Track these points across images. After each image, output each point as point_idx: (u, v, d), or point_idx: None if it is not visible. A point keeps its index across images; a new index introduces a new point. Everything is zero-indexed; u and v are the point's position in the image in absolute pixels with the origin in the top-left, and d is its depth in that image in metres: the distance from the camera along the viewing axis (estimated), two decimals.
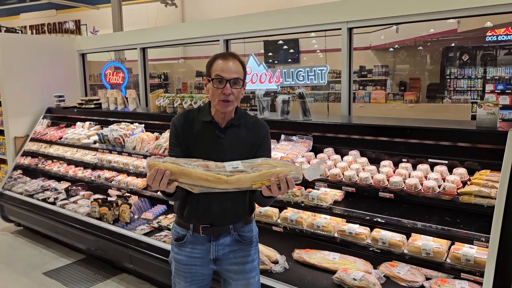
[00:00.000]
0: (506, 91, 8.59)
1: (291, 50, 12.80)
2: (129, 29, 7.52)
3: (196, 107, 2.21)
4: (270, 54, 12.81)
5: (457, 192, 2.47)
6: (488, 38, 9.39)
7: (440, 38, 11.07)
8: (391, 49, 12.18)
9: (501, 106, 3.20)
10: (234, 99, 1.94)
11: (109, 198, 4.45)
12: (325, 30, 3.68)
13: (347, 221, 2.99)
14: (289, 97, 3.45)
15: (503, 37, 9.18)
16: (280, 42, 12.42)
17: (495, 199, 2.27)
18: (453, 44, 10.88)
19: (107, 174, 4.63)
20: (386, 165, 2.90)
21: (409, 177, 2.72)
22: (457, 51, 10.46)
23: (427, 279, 2.65)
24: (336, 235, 2.90)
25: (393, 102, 8.44)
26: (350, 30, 3.47)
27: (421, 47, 11.96)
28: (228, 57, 1.94)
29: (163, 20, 13.25)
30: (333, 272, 2.81)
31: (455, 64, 10.11)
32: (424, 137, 2.80)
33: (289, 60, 12.96)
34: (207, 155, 1.91)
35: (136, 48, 5.35)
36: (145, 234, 3.72)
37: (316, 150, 3.36)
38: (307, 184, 3.07)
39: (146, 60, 5.37)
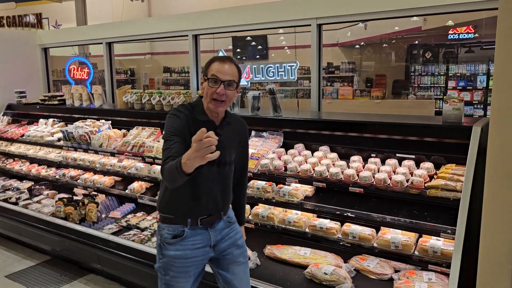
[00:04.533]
0: (467, 87, 8.91)
1: (260, 47, 12.80)
2: (93, 23, 7.29)
3: (185, 103, 2.23)
4: (239, 50, 12.77)
5: (424, 186, 2.54)
6: (450, 36, 9.71)
7: (405, 36, 11.36)
8: (358, 46, 12.41)
9: None
10: (227, 100, 2.05)
11: (75, 197, 4.31)
12: (294, 26, 3.69)
13: (318, 216, 3.02)
14: (259, 93, 3.44)
15: (464, 35, 9.51)
16: (249, 38, 12.40)
17: (461, 192, 2.34)
18: (416, 42, 11.19)
19: (73, 172, 4.49)
20: (356, 160, 2.94)
21: (378, 172, 2.76)
22: (420, 49, 10.77)
23: (396, 271, 2.72)
24: (307, 230, 2.92)
25: (361, 98, 8.60)
26: (319, 26, 3.50)
27: (386, 45, 12.23)
28: (225, 60, 2.07)
29: (129, 15, 12.95)
30: (304, 267, 2.83)
31: (419, 61, 10.40)
32: (393, 132, 2.85)
33: (258, 56, 12.96)
34: None
35: (102, 43, 5.19)
36: (113, 234, 3.63)
37: (287, 146, 3.37)
38: (278, 180, 3.08)
39: (112, 55, 5.22)
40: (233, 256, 2.26)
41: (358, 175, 2.77)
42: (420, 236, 2.65)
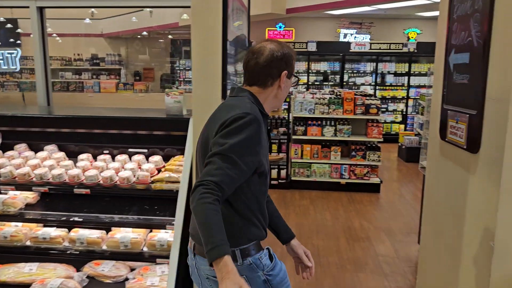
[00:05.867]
0: None
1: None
2: None
3: (244, 99, 1.65)
4: None
5: (150, 180, 2.50)
6: None
7: (171, 31, 11.60)
8: (125, 38, 12.06)
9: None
10: None
11: None
12: (11, 7, 3.15)
13: (44, 226, 2.67)
14: None
15: None
16: None
17: None
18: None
19: None
20: (84, 158, 2.71)
21: (107, 169, 2.60)
22: (182, 44, 11.18)
23: (132, 270, 2.62)
24: (28, 243, 2.54)
25: (124, 92, 8.32)
26: (40, 9, 3.07)
27: (153, 38, 12.27)
28: None
29: None
30: (30, 285, 2.45)
31: (182, 56, 10.79)
32: (121, 127, 2.73)
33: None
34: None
35: None
36: None
37: (6, 147, 2.86)
38: None
39: None
40: None
41: (85, 174, 2.55)
42: (151, 231, 2.62)
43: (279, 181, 6.58)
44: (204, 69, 1.95)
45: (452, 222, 2.48)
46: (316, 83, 10.97)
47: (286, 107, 6.89)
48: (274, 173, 6.63)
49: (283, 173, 6.61)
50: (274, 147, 6.75)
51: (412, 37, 11.34)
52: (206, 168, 1.46)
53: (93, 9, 10.96)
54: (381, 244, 4.49)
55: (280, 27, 10.91)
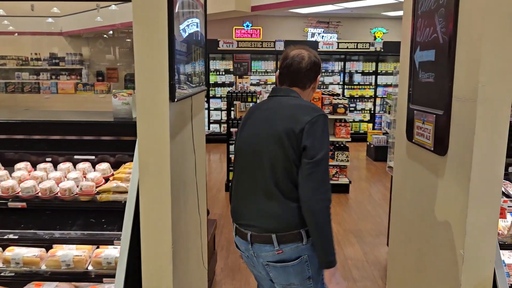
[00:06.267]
0: None
1: None
2: None
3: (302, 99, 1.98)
4: None
5: (96, 190, 2.26)
6: None
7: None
8: (87, 36, 11.57)
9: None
10: None
11: None
12: None
13: None
14: None
15: None
16: None
17: None
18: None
19: None
20: (21, 168, 2.44)
21: (47, 179, 2.34)
22: None
23: None
24: None
25: (84, 93, 7.88)
26: None
27: (118, 37, 11.83)
28: None
29: None
30: None
31: None
32: (64, 132, 2.47)
33: None
34: None
35: None
36: None
37: None
38: None
39: None
40: None
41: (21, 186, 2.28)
42: (98, 247, 2.38)
43: None
44: (148, 67, 1.74)
45: (420, 227, 2.36)
46: None
47: None
48: None
49: None
50: None
51: (378, 37, 11.40)
52: (320, 176, 1.72)
53: (55, 8, 10.48)
54: (350, 247, 4.38)
55: (247, 25, 10.74)
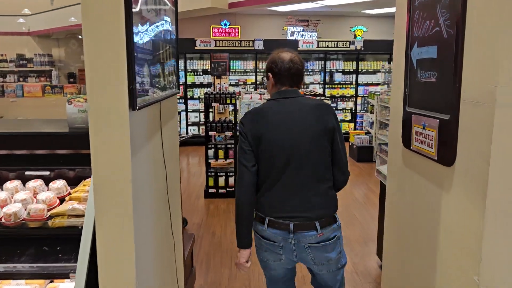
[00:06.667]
0: None
1: None
2: None
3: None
4: None
5: (47, 215, 1.92)
6: None
7: None
8: (57, 37, 11.04)
9: None
10: None
11: None
12: None
13: None
14: None
15: None
16: None
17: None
18: None
19: None
20: None
21: None
22: None
23: None
24: None
25: (52, 96, 7.48)
26: None
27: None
28: None
29: None
30: None
31: None
32: (11, 146, 2.12)
33: None
34: None
35: None
36: None
37: None
38: None
39: None
40: None
41: None
42: (51, 281, 2.04)
43: (227, 189, 6.09)
44: (101, 69, 1.42)
45: (422, 248, 2.10)
46: (264, 83, 10.57)
47: (232, 108, 6.40)
48: (221, 181, 6.13)
49: (231, 180, 6.13)
50: (221, 152, 6.25)
51: (358, 35, 11.24)
52: (344, 160, 2.21)
53: (26, 9, 9.93)
54: None
55: (225, 24, 10.41)
